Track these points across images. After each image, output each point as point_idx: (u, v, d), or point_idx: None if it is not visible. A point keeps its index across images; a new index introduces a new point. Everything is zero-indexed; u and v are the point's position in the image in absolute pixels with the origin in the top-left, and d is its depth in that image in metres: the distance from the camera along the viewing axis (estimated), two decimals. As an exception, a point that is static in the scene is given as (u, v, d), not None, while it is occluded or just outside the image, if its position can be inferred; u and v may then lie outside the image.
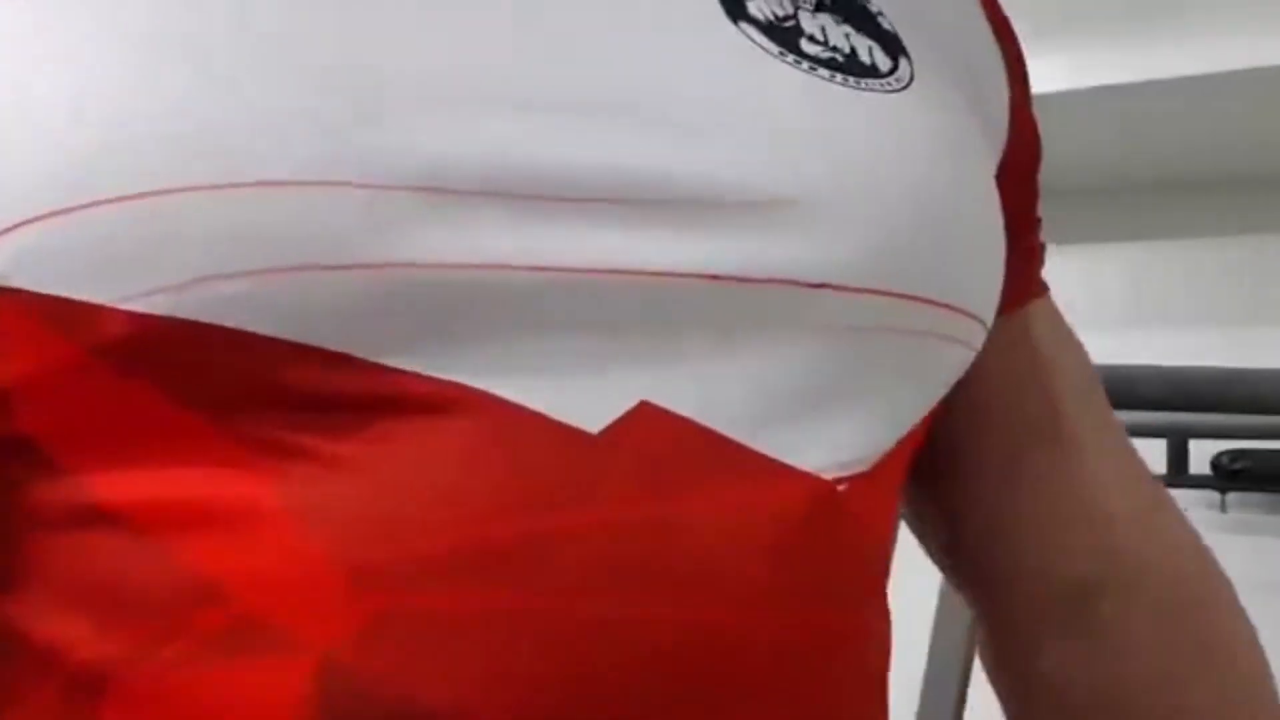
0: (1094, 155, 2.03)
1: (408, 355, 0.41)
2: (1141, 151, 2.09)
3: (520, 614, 0.40)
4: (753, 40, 0.47)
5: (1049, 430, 0.61)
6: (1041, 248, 0.63)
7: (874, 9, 0.52)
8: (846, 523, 0.46)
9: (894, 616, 0.50)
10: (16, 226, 0.40)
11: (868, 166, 0.46)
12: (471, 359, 0.42)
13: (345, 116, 0.40)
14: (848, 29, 0.50)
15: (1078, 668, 0.60)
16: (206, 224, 0.39)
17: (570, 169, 0.42)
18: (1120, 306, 2.34)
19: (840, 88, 0.48)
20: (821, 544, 0.45)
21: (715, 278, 0.43)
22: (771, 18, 0.48)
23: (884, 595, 0.50)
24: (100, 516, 0.42)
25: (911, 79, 0.50)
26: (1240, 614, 0.62)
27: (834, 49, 0.49)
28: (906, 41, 0.52)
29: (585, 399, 0.42)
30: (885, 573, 0.50)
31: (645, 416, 0.43)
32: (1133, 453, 0.64)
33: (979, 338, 0.52)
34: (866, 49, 0.50)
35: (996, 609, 0.63)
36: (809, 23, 0.49)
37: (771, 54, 0.47)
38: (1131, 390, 1.25)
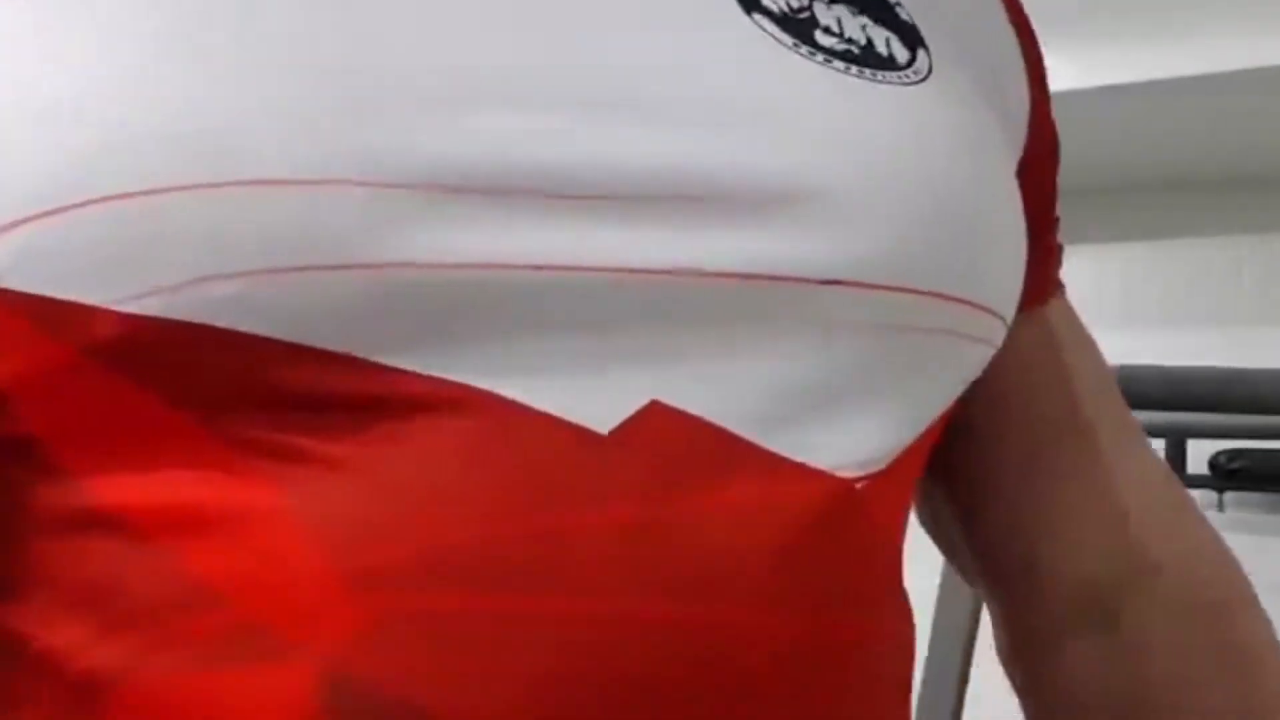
0: (1093, 155, 2.02)
1: (408, 355, 0.41)
2: (1141, 152, 2.09)
3: (525, 615, 0.39)
4: (766, 32, 0.46)
5: (1068, 429, 0.60)
6: (1059, 247, 0.62)
7: (892, 0, 0.51)
8: (863, 522, 0.46)
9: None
10: (12, 226, 0.39)
11: (885, 160, 0.45)
12: (473, 359, 0.41)
13: (344, 115, 0.40)
14: (865, 20, 0.49)
15: (1095, 666, 0.59)
16: (201, 223, 0.39)
17: (574, 166, 0.41)
18: (1119, 306, 2.34)
19: (856, 80, 0.47)
20: (837, 544, 0.44)
21: (722, 275, 0.43)
22: (786, 9, 0.47)
23: (901, 596, 0.49)
24: (99, 520, 0.41)
25: (930, 71, 0.49)
26: (1260, 614, 0.61)
27: (850, 40, 0.48)
28: (925, 33, 0.51)
29: (592, 399, 0.41)
30: (899, 573, 0.49)
31: (656, 416, 0.42)
32: (1151, 452, 0.63)
33: (999, 335, 0.51)
34: (884, 40, 0.49)
35: (1014, 606, 0.62)
36: (824, 14, 0.48)
37: (785, 46, 0.46)
38: (1130, 390, 1.24)
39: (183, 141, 0.39)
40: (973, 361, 0.50)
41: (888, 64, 0.48)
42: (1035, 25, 0.60)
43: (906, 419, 0.48)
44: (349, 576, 0.39)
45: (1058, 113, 0.61)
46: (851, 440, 0.45)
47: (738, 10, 0.46)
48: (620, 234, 0.41)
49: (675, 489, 0.41)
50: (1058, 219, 0.61)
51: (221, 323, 0.39)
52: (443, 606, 0.39)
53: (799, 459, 0.43)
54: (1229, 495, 2.24)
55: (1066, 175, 0.61)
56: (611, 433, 0.41)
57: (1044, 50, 0.60)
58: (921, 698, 1.16)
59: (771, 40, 0.46)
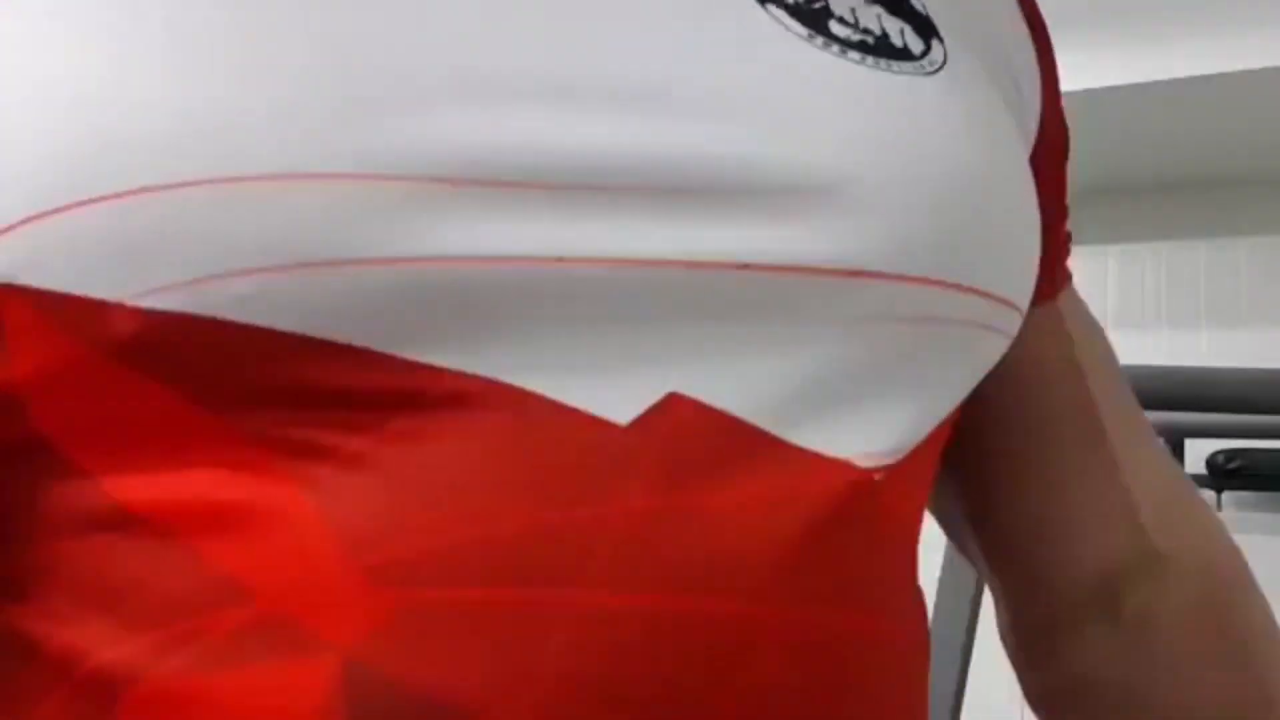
0: (1093, 156, 2.02)
1: (428, 349, 0.40)
2: (1140, 152, 2.09)
3: (546, 608, 0.39)
4: (780, 23, 0.46)
5: (1081, 422, 0.61)
6: (1069, 236, 0.62)
7: None
8: (882, 514, 0.45)
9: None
10: (22, 223, 0.39)
11: (901, 151, 0.45)
12: (494, 352, 0.41)
13: (361, 109, 0.40)
14: (879, 10, 0.49)
15: (1098, 649, 0.59)
16: (217, 218, 0.39)
17: (594, 158, 0.41)
18: (1119, 306, 2.34)
19: (872, 71, 0.46)
20: (856, 536, 0.44)
21: (745, 266, 0.42)
22: (800, 0, 0.47)
23: (917, 592, 0.49)
24: (117, 520, 0.41)
25: (945, 62, 0.49)
26: (1263, 604, 0.61)
27: (865, 31, 0.48)
28: (939, 24, 0.51)
29: (612, 391, 0.41)
30: (915, 569, 0.49)
31: (674, 408, 0.42)
32: (1159, 444, 0.64)
33: (1016, 326, 0.51)
34: (898, 31, 0.49)
35: (1019, 591, 0.62)
36: (838, 4, 0.48)
37: (800, 37, 0.46)
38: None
39: (198, 136, 0.39)
40: (990, 353, 0.50)
41: (902, 54, 0.48)
42: (1031, 27, 0.61)
43: (924, 410, 0.48)
44: (370, 571, 0.39)
45: (1054, 114, 0.61)
46: (871, 432, 0.45)
47: (752, 2, 0.46)
48: (641, 226, 0.41)
49: (694, 481, 0.41)
50: (1067, 209, 0.61)
51: (240, 318, 0.39)
52: (464, 600, 0.39)
53: (818, 450, 0.43)
54: (1227, 495, 2.25)
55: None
56: (631, 424, 0.41)
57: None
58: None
59: (786, 31, 0.46)
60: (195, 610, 0.40)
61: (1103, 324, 0.65)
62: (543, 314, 0.41)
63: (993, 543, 0.62)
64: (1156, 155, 2.13)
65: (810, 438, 0.43)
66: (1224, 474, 2.19)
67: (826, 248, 0.43)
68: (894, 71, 0.47)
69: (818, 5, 0.47)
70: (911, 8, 0.50)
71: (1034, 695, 0.63)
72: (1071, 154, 0.61)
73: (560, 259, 0.41)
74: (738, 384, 0.43)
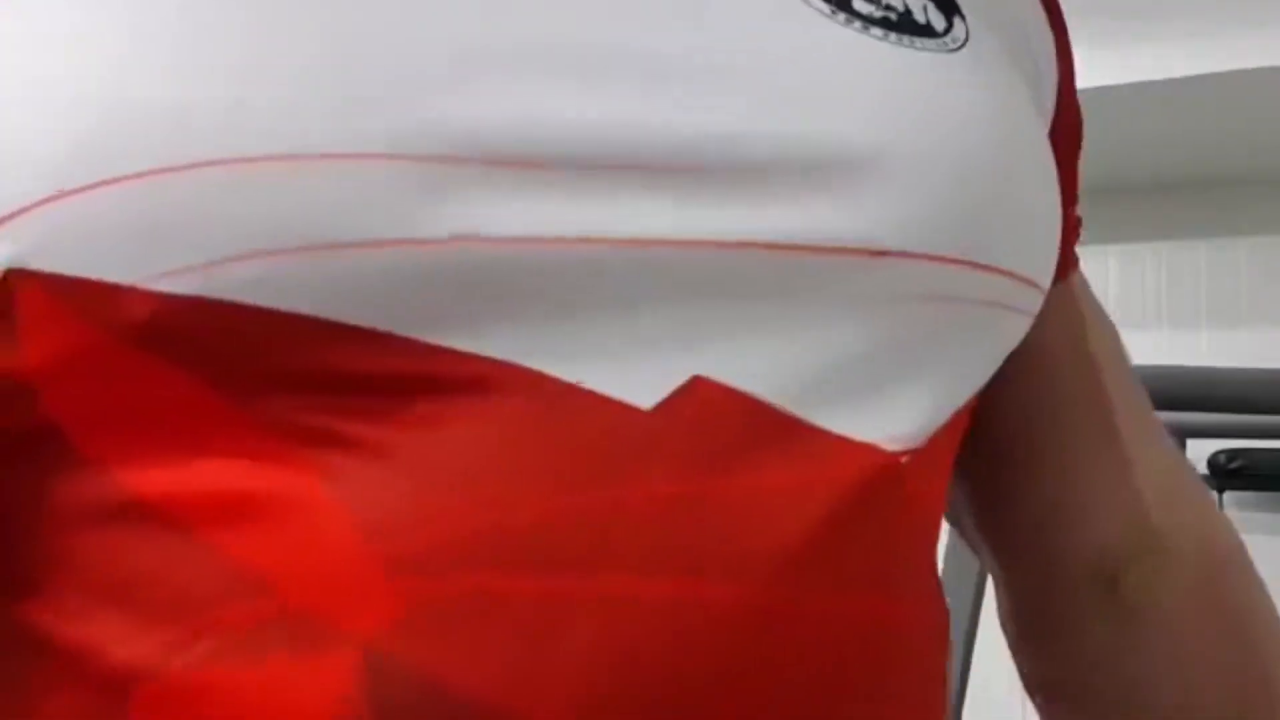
0: (1092, 156, 2.02)
1: (450, 333, 0.40)
2: (1139, 152, 2.09)
3: (568, 596, 0.39)
4: (804, 0, 0.45)
5: (1089, 405, 0.60)
6: (1078, 221, 0.62)
7: None
8: (907, 498, 0.45)
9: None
10: (34, 206, 0.38)
11: (924, 128, 0.45)
12: (517, 336, 0.40)
13: (377, 88, 0.39)
14: None
15: (1099, 637, 0.59)
16: (233, 199, 0.38)
17: (616, 135, 0.41)
18: (1119, 306, 2.34)
19: (894, 47, 0.46)
20: (880, 521, 0.43)
21: (774, 246, 0.42)
22: None
23: (937, 579, 0.48)
24: (132, 511, 0.40)
25: (967, 39, 0.49)
26: (1262, 587, 0.61)
27: (887, 8, 0.47)
28: (961, 1, 0.50)
29: (636, 375, 0.41)
30: (935, 555, 0.49)
31: (699, 391, 0.41)
32: (1159, 426, 0.64)
33: (1038, 305, 0.51)
34: (921, 7, 0.48)
35: (1019, 572, 0.62)
36: None
37: (824, 14, 0.45)
38: (1129, 389, 1.25)
39: (211, 116, 0.38)
40: (1013, 333, 0.50)
41: (925, 31, 0.47)
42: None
43: (948, 392, 0.47)
44: (391, 561, 0.38)
45: (1052, 115, 0.61)
46: (895, 415, 0.44)
47: None
48: (665, 206, 0.41)
49: (720, 465, 0.41)
50: (1078, 194, 0.61)
51: (256, 301, 0.39)
52: (486, 589, 0.39)
53: (844, 434, 0.43)
54: (1228, 495, 2.24)
55: (1066, 177, 0.61)
56: (654, 409, 0.41)
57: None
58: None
59: (808, 7, 0.45)
60: (211, 603, 0.39)
61: (1100, 323, 0.65)
62: (565, 296, 0.40)
63: (994, 524, 0.62)
64: (1156, 155, 2.13)
65: (836, 421, 0.43)
66: (1225, 474, 2.19)
67: (850, 226, 0.43)
68: (917, 48, 0.46)
69: None
70: None
71: (1031, 678, 0.63)
72: (1072, 152, 0.61)
73: (584, 239, 0.40)
74: (762, 366, 0.42)
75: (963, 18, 0.50)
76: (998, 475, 0.60)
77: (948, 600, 0.49)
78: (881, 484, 0.43)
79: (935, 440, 0.46)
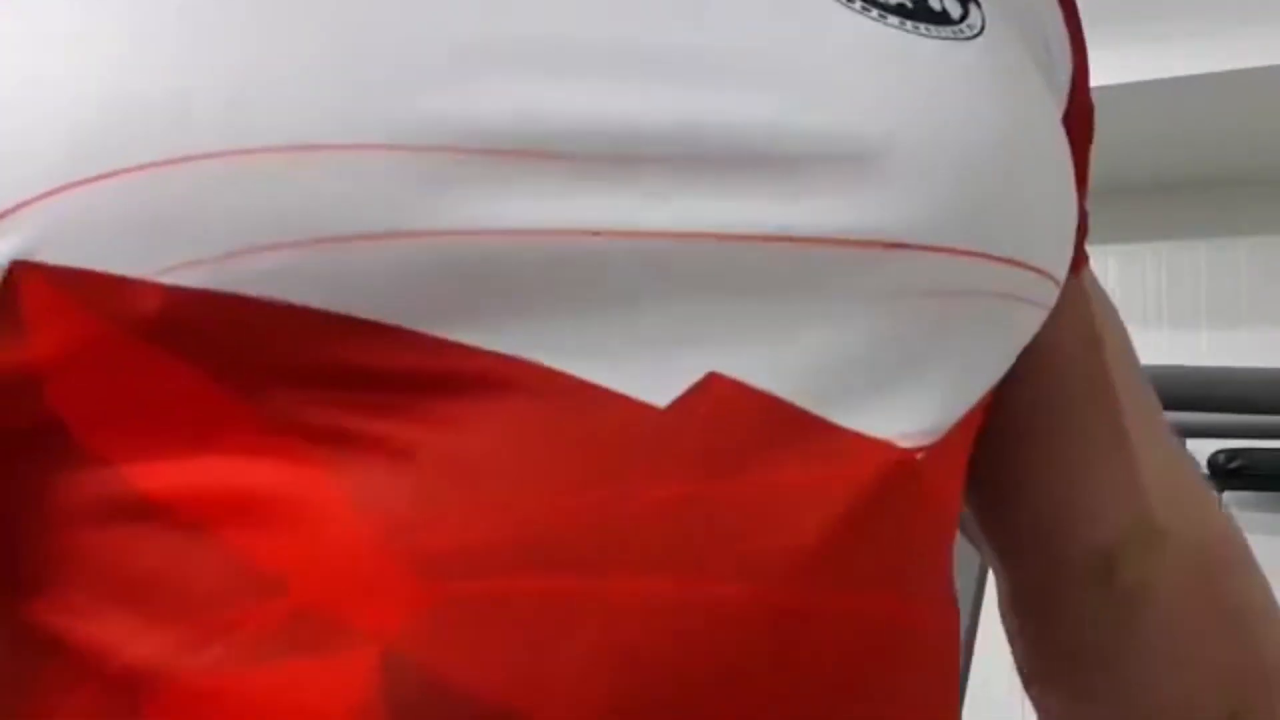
0: (1092, 156, 2.02)
1: (460, 328, 0.39)
2: (1139, 153, 2.09)
3: (584, 596, 0.38)
4: None
5: (1097, 396, 0.60)
6: (1087, 214, 0.62)
7: None
8: (924, 495, 0.44)
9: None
10: (38, 198, 0.38)
11: (938, 118, 0.44)
12: (528, 331, 0.40)
13: (382, 78, 0.39)
14: None
15: (1094, 627, 0.59)
16: (237, 192, 0.38)
17: (627, 127, 0.40)
18: (1119, 306, 2.33)
19: (910, 35, 0.45)
20: (896, 519, 0.43)
21: (789, 239, 0.41)
22: None
23: (951, 581, 0.48)
24: (139, 509, 0.40)
25: (983, 27, 0.48)
26: (1262, 580, 0.61)
27: None
28: None
29: (650, 372, 0.40)
30: (951, 554, 0.48)
31: (714, 388, 0.41)
32: (1165, 425, 0.63)
33: (1053, 297, 0.50)
34: None
35: (1019, 563, 0.62)
36: None
37: (839, 1, 0.45)
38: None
39: (214, 107, 0.38)
40: (1028, 326, 0.50)
41: (941, 19, 0.47)
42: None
43: (963, 387, 0.47)
44: (409, 561, 0.38)
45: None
46: (911, 410, 0.44)
47: None
48: (677, 199, 0.40)
49: (735, 463, 0.40)
50: (1087, 187, 0.60)
51: (266, 294, 0.38)
52: (504, 591, 0.38)
53: (860, 429, 0.42)
54: (1228, 495, 2.24)
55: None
56: (669, 406, 0.40)
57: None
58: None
59: None
60: (225, 604, 0.39)
61: (1102, 324, 0.64)
62: (577, 291, 0.40)
63: (998, 519, 0.61)
64: (1156, 155, 2.13)
65: (851, 417, 0.42)
66: (1225, 474, 2.18)
67: (862, 218, 0.42)
68: (932, 36, 0.46)
69: None
70: None
71: (1029, 670, 0.63)
72: (1072, 153, 0.61)
73: (596, 232, 0.40)
74: (776, 362, 0.42)
75: (978, 5, 0.49)
76: (1003, 471, 0.59)
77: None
78: (898, 482, 0.43)
79: (951, 437, 0.46)
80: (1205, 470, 2.21)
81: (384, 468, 0.39)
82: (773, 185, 0.41)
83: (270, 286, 0.38)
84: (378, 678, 0.38)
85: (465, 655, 0.38)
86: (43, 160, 0.38)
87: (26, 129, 0.39)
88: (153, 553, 0.40)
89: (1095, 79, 0.60)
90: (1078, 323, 0.60)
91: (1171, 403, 1.38)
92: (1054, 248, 0.49)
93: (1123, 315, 0.66)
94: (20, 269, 0.39)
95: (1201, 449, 2.17)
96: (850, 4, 0.45)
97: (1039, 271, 0.48)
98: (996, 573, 0.63)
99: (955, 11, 0.48)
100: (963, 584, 1.20)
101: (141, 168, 0.38)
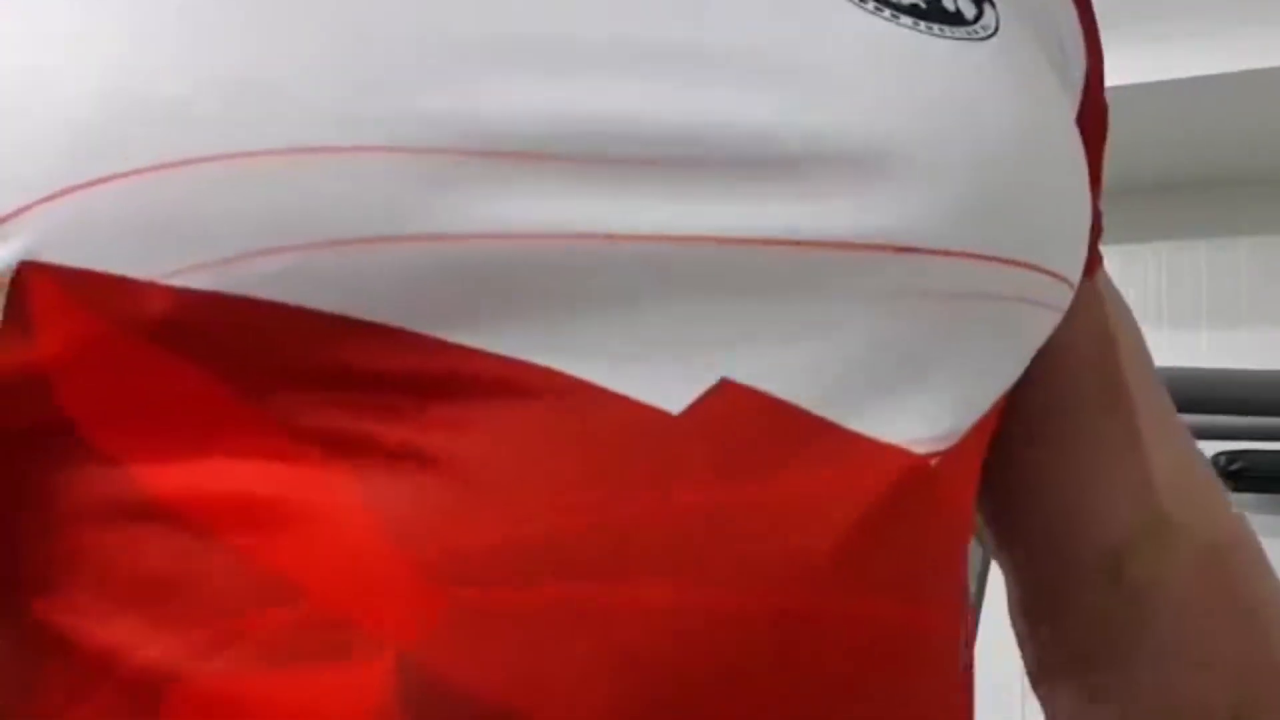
0: (1094, 155, 2.02)
1: (472, 332, 0.39)
2: (1139, 153, 2.09)
3: (600, 605, 0.38)
4: None
5: (1111, 399, 0.60)
6: (1101, 214, 0.61)
7: None
8: (938, 502, 0.44)
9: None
10: (43, 201, 0.38)
11: (951, 120, 0.44)
12: (540, 335, 0.39)
13: (390, 77, 0.38)
14: None
15: (1109, 626, 0.59)
16: (233, 196, 0.38)
17: (626, 127, 0.40)
18: (1119, 306, 2.33)
19: (924, 36, 0.45)
20: (910, 526, 0.43)
21: (791, 242, 0.41)
22: None
23: (965, 587, 0.47)
24: (152, 510, 0.40)
25: (997, 28, 0.48)
26: (1272, 574, 0.61)
27: None
28: None
29: (665, 377, 0.40)
30: (965, 560, 0.47)
31: (727, 394, 0.40)
32: (1174, 414, 0.63)
33: (1067, 300, 0.50)
34: None
35: (1029, 562, 0.61)
36: None
37: (852, 1, 0.44)
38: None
39: (211, 112, 0.38)
40: (1042, 329, 0.49)
41: (955, 19, 0.46)
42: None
43: (977, 392, 0.46)
44: (423, 568, 0.38)
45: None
46: (925, 415, 0.44)
47: None
48: (691, 201, 0.40)
49: (749, 471, 0.40)
50: (1101, 187, 0.60)
51: (273, 297, 0.38)
52: (520, 599, 0.38)
53: (874, 435, 0.42)
54: (1229, 496, 2.24)
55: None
56: (683, 413, 0.40)
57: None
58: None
59: None
60: (237, 608, 0.39)
61: (1103, 324, 0.64)
62: (590, 294, 0.40)
63: (1008, 519, 0.61)
64: (1156, 155, 2.12)
65: (864, 422, 0.42)
66: (1227, 476, 2.18)
67: (869, 220, 0.42)
68: (945, 36, 0.45)
69: None
70: None
71: (1036, 671, 0.62)
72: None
73: (609, 235, 0.39)
74: (790, 367, 0.41)
75: (993, 4, 0.48)
76: (1015, 474, 0.59)
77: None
78: (912, 488, 0.42)
79: (965, 442, 0.45)
80: (1206, 471, 2.21)
81: (391, 471, 0.39)
82: (774, 187, 0.41)
83: (277, 289, 0.38)
84: (394, 684, 0.37)
85: (485, 663, 0.38)
86: (44, 162, 0.38)
87: (28, 131, 0.39)
88: (161, 554, 0.40)
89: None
90: (1091, 325, 0.59)
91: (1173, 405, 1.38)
92: (1068, 250, 0.49)
93: (1123, 315, 0.65)
94: (28, 269, 0.39)
95: (1204, 450, 2.17)
96: (863, 4, 0.44)
97: (1053, 275, 0.47)
98: (1007, 575, 0.63)
99: (969, 12, 0.47)
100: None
101: (141, 171, 0.38)
